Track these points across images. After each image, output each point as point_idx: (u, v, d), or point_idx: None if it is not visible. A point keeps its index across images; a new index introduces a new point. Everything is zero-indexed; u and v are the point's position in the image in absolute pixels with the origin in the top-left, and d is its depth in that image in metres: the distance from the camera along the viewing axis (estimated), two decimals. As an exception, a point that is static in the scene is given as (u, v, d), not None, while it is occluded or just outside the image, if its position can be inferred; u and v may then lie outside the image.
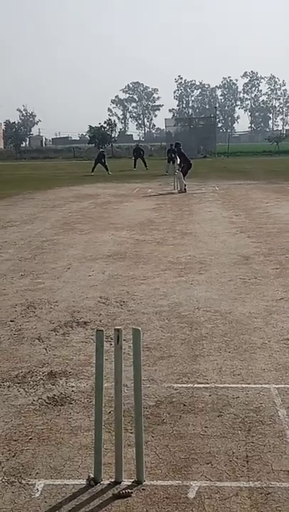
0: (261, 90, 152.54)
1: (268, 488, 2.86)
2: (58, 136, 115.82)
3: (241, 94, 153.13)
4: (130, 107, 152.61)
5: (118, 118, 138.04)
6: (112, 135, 57.27)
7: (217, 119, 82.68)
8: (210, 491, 2.85)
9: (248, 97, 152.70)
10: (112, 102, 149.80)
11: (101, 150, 34.38)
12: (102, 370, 2.92)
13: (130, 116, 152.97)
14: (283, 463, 3.07)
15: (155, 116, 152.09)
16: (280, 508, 2.71)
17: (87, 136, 60.57)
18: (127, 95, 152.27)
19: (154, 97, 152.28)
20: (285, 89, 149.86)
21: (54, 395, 3.95)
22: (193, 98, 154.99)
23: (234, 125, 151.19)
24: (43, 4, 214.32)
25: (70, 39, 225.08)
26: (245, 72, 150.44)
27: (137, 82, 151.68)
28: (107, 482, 2.93)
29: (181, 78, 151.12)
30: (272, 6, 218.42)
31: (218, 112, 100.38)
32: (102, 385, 2.94)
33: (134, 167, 32.06)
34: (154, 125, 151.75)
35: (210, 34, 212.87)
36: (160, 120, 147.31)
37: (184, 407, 3.73)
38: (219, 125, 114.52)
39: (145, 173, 28.01)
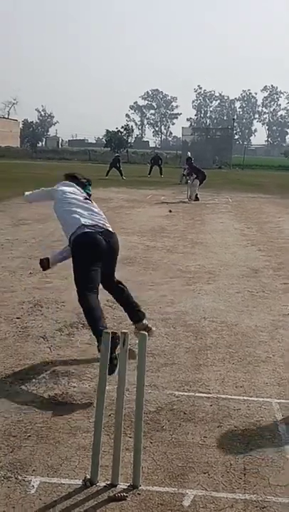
0: (280, 105, 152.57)
1: (263, 502, 2.84)
2: (75, 138, 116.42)
3: (260, 108, 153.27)
4: (148, 114, 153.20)
5: (135, 124, 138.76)
6: (129, 140, 57.50)
7: (234, 131, 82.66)
8: (205, 500, 2.84)
9: (267, 111, 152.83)
10: (131, 107, 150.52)
11: (116, 155, 34.56)
12: (105, 371, 2.93)
13: (148, 123, 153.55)
14: (280, 478, 3.06)
15: (172, 124, 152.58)
16: (275, 523, 2.70)
17: (103, 140, 60.79)
18: (146, 102, 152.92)
19: (172, 106, 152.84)
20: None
21: (55, 394, 3.96)
22: (211, 109, 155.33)
23: (251, 138, 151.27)
24: (70, 11, 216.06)
25: (95, 46, 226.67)
26: (265, 86, 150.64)
27: (157, 90, 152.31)
28: (103, 484, 2.94)
29: (201, 88, 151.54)
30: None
31: (235, 124, 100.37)
32: (105, 387, 2.95)
33: (149, 174, 32.14)
34: (171, 133, 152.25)
35: (232, 46, 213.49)
36: (177, 128, 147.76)
37: (184, 415, 3.73)
38: (236, 137, 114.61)
39: (159, 181, 28.07)
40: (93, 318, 4.27)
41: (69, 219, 4.58)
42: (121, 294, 4.81)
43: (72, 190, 4.85)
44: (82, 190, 4.96)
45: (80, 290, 4.41)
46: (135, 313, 4.78)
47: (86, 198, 4.88)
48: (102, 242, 4.46)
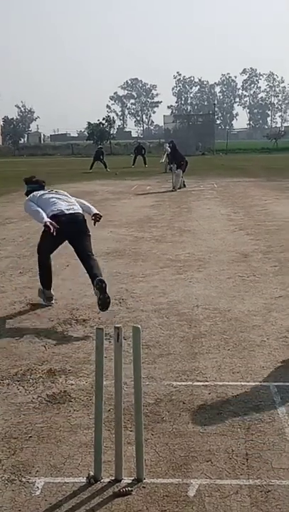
0: (260, 87, 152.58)
1: (267, 486, 2.86)
2: (57, 133, 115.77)
3: (240, 91, 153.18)
4: (129, 104, 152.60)
5: (117, 115, 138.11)
6: (111, 132, 57.25)
7: (216, 116, 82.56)
8: (210, 488, 2.85)
9: (247, 94, 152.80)
10: (111, 98, 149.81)
11: (99, 147, 34.36)
12: (102, 368, 2.92)
13: (129, 113, 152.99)
14: (283, 461, 3.08)
15: (154, 113, 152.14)
16: (280, 506, 2.72)
17: (85, 133, 60.48)
18: (126, 92, 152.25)
19: (152, 94, 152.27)
20: (284, 87, 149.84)
21: (53, 392, 3.95)
22: (191, 95, 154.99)
23: (233, 122, 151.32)
24: (43, 1, 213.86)
25: (69, 36, 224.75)
26: (244, 69, 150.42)
27: (136, 79, 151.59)
28: (107, 480, 2.94)
29: (180, 75, 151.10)
30: (271, 3, 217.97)
31: (216, 109, 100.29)
32: (102, 383, 2.94)
33: (133, 164, 32.03)
34: (153, 122, 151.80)
35: (209, 31, 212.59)
36: (159, 117, 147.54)
37: (183, 404, 3.74)
38: (218, 122, 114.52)
39: (144, 171, 28.00)
40: (43, 272, 6.03)
41: (44, 210, 5.89)
42: (89, 262, 5.75)
43: (41, 193, 6.18)
44: (44, 189, 6.37)
45: (42, 252, 6.06)
46: (94, 276, 5.58)
47: (50, 191, 6.27)
48: (64, 225, 5.68)
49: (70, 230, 5.74)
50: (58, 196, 6.11)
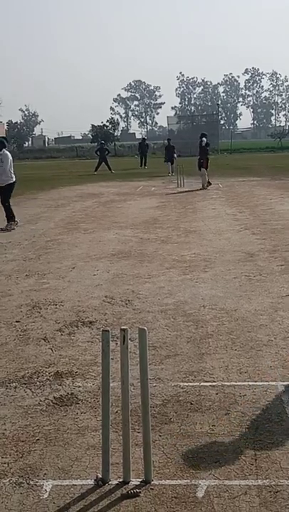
0: (263, 86, 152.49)
1: (276, 486, 2.84)
2: (61, 136, 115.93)
3: (243, 91, 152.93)
4: (132, 106, 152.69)
5: (120, 117, 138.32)
6: (115, 134, 57.31)
7: (219, 116, 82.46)
8: (218, 489, 2.84)
9: (250, 94, 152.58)
10: (115, 100, 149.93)
11: (102, 142, 33.62)
12: (108, 371, 2.91)
13: (132, 115, 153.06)
14: (292, 461, 3.05)
15: (157, 114, 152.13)
16: (289, 506, 2.70)
17: (89, 135, 60.58)
18: (129, 93, 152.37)
19: (156, 95, 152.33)
20: (288, 85, 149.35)
21: (61, 395, 3.95)
22: (195, 95, 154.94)
23: (237, 122, 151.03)
24: (45, 3, 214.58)
25: (71, 39, 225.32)
26: (246, 68, 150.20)
27: (139, 80, 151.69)
28: (115, 482, 2.93)
29: (183, 75, 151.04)
30: (272, 2, 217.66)
31: (220, 109, 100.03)
32: (109, 385, 2.93)
33: (141, 165, 31.54)
34: (157, 123, 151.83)
35: (210, 31, 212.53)
36: (162, 118, 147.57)
37: (190, 405, 3.73)
38: (222, 122, 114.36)
39: (148, 172, 27.98)
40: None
41: None
42: None
43: None
44: None
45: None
46: None
47: None
48: None
49: None
50: None
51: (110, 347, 2.96)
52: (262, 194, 16.21)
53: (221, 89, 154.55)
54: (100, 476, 2.94)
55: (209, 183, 18.73)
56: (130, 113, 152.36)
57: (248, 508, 2.70)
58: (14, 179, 11.53)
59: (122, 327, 2.92)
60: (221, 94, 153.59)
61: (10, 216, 11.63)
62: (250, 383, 4.02)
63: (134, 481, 2.92)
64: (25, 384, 4.15)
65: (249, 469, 3.00)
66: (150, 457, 2.95)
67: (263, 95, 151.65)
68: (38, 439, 3.37)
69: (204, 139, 19.28)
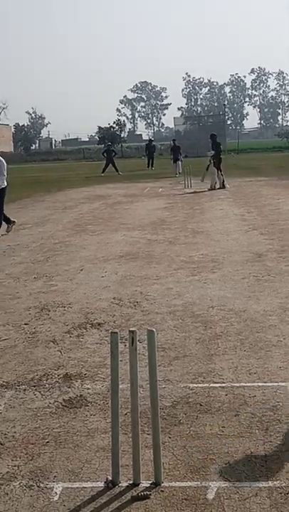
0: (269, 86, 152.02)
1: (287, 488, 2.83)
2: (68, 138, 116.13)
3: (250, 91, 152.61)
4: (139, 107, 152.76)
5: (127, 118, 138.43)
6: (122, 135, 57.37)
7: (226, 117, 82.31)
8: (229, 491, 2.83)
9: (257, 94, 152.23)
10: (121, 102, 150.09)
11: (108, 143, 33.55)
12: (117, 373, 2.91)
13: (139, 116, 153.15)
14: (302, 462, 3.04)
15: (164, 115, 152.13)
16: (301, 508, 2.68)
17: (96, 137, 60.68)
18: (136, 95, 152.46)
19: (162, 96, 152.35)
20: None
21: (70, 397, 3.95)
22: (201, 96, 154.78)
23: (243, 122, 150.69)
24: (50, 3, 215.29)
25: (77, 40, 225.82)
26: (253, 68, 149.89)
27: (145, 82, 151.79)
28: (126, 484, 2.92)
29: (189, 76, 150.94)
30: (277, 1, 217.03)
31: (227, 109, 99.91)
32: (118, 387, 2.93)
33: (148, 166, 31.41)
34: (163, 124, 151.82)
35: (216, 32, 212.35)
36: (169, 119, 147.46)
37: (200, 407, 3.71)
38: (228, 122, 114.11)
39: (155, 173, 27.99)
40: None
41: None
42: None
43: None
44: None
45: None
46: None
47: None
48: None
49: None
50: None
51: (119, 349, 2.95)
52: (269, 194, 16.16)
53: (227, 89, 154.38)
54: (109, 478, 2.94)
55: (222, 186, 18.39)
56: (137, 114, 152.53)
57: (259, 510, 2.68)
58: (6, 184, 11.36)
59: (131, 329, 2.92)
60: (228, 95, 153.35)
61: (7, 218, 11.54)
62: (260, 384, 4.01)
63: (144, 483, 2.92)
64: (34, 386, 4.16)
65: (259, 471, 2.98)
66: (160, 459, 2.94)
67: (269, 95, 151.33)
68: (47, 442, 3.37)
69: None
